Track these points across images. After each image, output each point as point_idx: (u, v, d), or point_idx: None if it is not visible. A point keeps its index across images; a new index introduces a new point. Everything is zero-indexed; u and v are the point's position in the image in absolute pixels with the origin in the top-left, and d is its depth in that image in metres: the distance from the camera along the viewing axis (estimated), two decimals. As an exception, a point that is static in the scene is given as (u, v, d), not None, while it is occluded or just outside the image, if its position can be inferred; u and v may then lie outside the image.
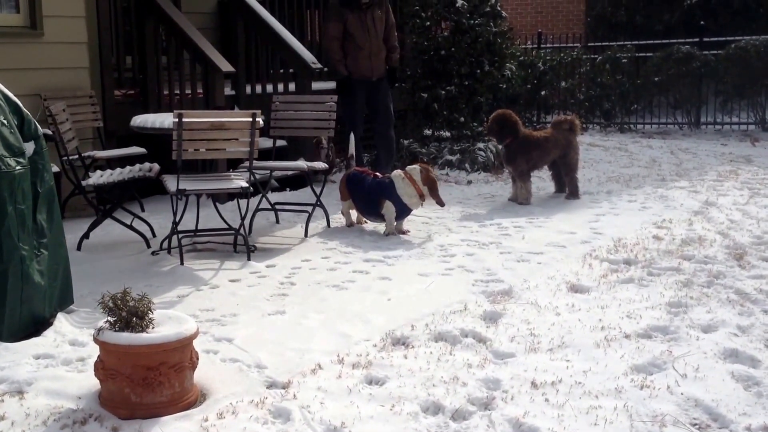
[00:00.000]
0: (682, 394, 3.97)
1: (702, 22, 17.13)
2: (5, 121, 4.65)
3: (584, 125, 16.66)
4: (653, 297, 5.45)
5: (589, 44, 18.53)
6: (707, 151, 13.12)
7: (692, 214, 8.12)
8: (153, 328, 3.85)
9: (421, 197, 7.24)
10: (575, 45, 17.75)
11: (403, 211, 7.28)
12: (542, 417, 3.73)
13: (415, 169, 7.28)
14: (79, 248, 6.64)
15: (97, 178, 6.73)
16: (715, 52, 16.05)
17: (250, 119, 6.11)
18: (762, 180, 10.17)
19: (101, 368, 3.81)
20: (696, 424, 3.71)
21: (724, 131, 15.81)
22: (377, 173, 7.56)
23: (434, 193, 7.26)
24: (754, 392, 4.00)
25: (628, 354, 4.46)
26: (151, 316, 3.87)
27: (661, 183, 10.10)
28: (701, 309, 5.20)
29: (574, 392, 3.99)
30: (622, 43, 17.39)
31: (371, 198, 7.31)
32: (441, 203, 7.37)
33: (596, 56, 17.16)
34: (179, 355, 3.83)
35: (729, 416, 3.76)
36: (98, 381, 3.88)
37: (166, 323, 3.92)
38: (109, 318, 3.84)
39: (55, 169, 5.87)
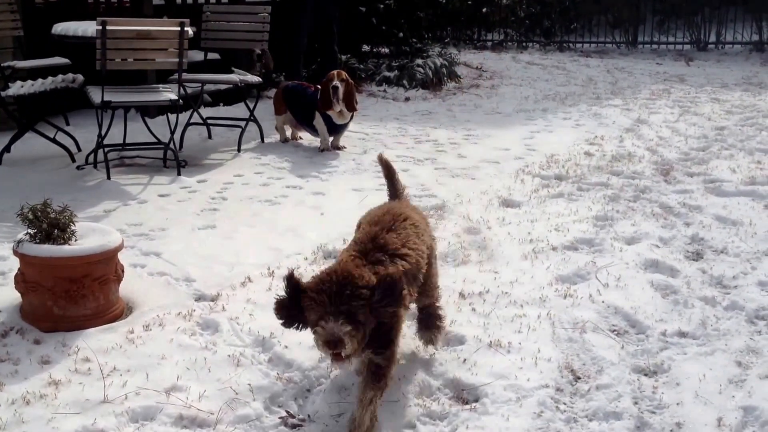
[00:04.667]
0: (603, 302, 4.07)
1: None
2: None
3: (524, 44, 16.63)
4: (581, 211, 5.51)
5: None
6: (642, 70, 13.21)
7: (624, 132, 8.21)
8: (76, 240, 3.77)
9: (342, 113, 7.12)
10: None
11: (332, 125, 7.18)
12: (468, 325, 3.78)
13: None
14: (-1, 162, 6.47)
15: (18, 88, 6.49)
16: (653, -30, 16.06)
17: (179, 28, 5.93)
18: (693, 99, 10.28)
19: (22, 281, 3.73)
20: (615, 330, 3.81)
21: (660, 51, 15.90)
22: (318, 86, 7.41)
23: (349, 101, 7.14)
24: (671, 300, 4.13)
25: (554, 265, 4.53)
26: (73, 228, 3.78)
27: (596, 101, 10.15)
28: (626, 222, 5.29)
29: (500, 302, 4.05)
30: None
31: (310, 110, 7.20)
32: (351, 108, 7.20)
33: (537, -28, 17.04)
34: (103, 268, 3.76)
35: (646, 322, 3.88)
36: (19, 294, 3.80)
37: (90, 236, 3.84)
38: (29, 230, 3.74)
39: (-27, 79, 5.62)
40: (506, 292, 4.15)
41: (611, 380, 3.35)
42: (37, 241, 3.70)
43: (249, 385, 3.25)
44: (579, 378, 3.39)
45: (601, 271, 4.44)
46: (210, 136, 7.73)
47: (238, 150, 7.19)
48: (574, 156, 7.07)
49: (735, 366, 3.47)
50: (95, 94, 6.06)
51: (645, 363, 3.50)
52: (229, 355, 3.47)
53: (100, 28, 5.73)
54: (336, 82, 6.98)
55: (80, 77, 6.74)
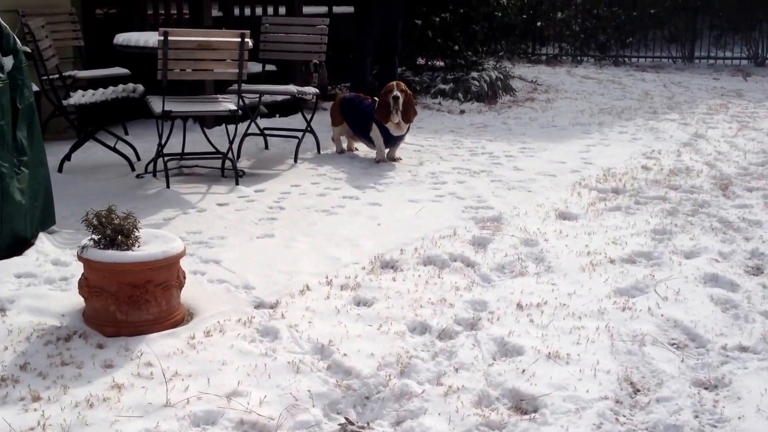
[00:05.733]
0: (662, 315, 4.04)
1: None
2: (-19, 33, 4.49)
3: (579, 58, 16.55)
4: (639, 224, 5.46)
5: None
6: (699, 85, 13.06)
7: (681, 146, 8.12)
8: (139, 246, 3.83)
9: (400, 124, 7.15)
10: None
11: (389, 137, 7.21)
12: (526, 336, 3.77)
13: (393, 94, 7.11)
14: (60, 170, 6.55)
15: (79, 97, 6.59)
16: (712, -15, 15.87)
17: (239, 39, 6.00)
18: (751, 114, 10.15)
19: (86, 286, 3.79)
20: (674, 344, 3.78)
21: (717, 66, 15.70)
22: (376, 98, 7.45)
23: (407, 113, 7.15)
24: (732, 314, 4.08)
25: (612, 278, 4.50)
26: (136, 234, 3.84)
27: (652, 115, 10.06)
28: (685, 236, 5.24)
29: (559, 313, 4.03)
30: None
31: (368, 121, 7.25)
32: (408, 119, 7.20)
33: (593, -13, 16.92)
34: (166, 274, 3.82)
35: (706, 336, 3.83)
36: (82, 299, 3.87)
37: (153, 242, 3.90)
38: (93, 236, 3.81)
39: (35, 88, 5.71)
40: (564, 304, 4.13)
41: (671, 393, 3.32)
42: (102, 246, 3.77)
43: (308, 391, 3.27)
44: (638, 390, 3.36)
45: (660, 284, 4.40)
46: (267, 147, 7.81)
47: (295, 160, 7.25)
48: (631, 170, 7.01)
49: (799, 382, 3.42)
50: (156, 104, 6.16)
51: (705, 377, 3.46)
52: (288, 362, 3.50)
53: (162, 38, 5.82)
54: (396, 92, 7.01)
55: (140, 87, 6.85)
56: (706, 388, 3.39)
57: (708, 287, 4.40)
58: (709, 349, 3.72)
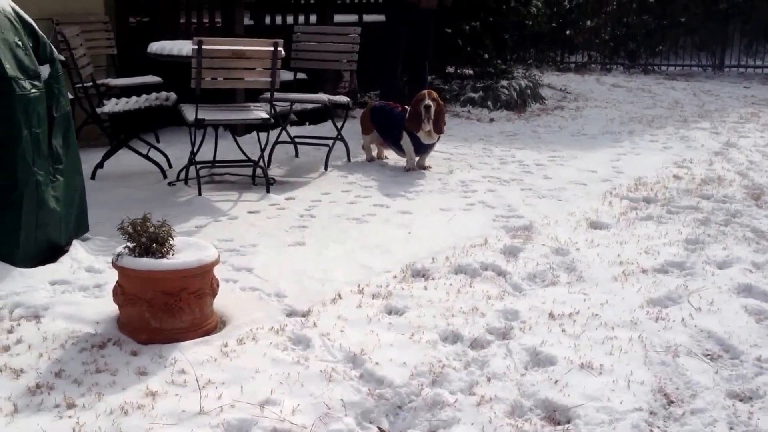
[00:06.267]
0: (695, 326, 4.01)
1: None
2: (20, 43, 4.53)
3: (608, 66, 16.47)
4: (671, 234, 5.44)
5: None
6: (730, 94, 12.97)
7: (712, 155, 8.07)
8: (173, 254, 3.86)
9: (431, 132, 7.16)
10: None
11: (419, 145, 7.22)
12: (559, 346, 3.76)
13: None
14: (93, 177, 6.61)
15: (113, 105, 6.66)
16: (742, -8, 15.75)
17: (272, 48, 6.04)
18: (785, 122, 10.07)
19: (120, 293, 3.83)
20: (708, 355, 3.75)
21: (747, 74, 15.58)
22: (406, 106, 7.47)
23: (438, 122, 7.17)
24: (766, 325, 4.06)
25: (645, 288, 4.48)
26: (171, 242, 3.87)
27: (683, 124, 10.00)
28: (717, 246, 5.21)
29: (591, 323, 4.02)
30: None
31: (398, 130, 7.26)
32: (439, 130, 7.22)
33: (622, -5, 16.85)
34: (200, 282, 3.84)
35: (740, 347, 3.81)
36: (116, 306, 3.90)
37: (187, 250, 3.92)
38: (128, 243, 3.84)
39: (69, 96, 5.78)
40: (596, 314, 4.12)
41: (706, 405, 3.30)
42: (136, 254, 3.80)
43: (341, 400, 3.28)
44: (672, 402, 3.34)
45: (693, 294, 4.37)
46: (297, 155, 7.84)
47: (325, 168, 7.28)
48: (662, 179, 6.97)
49: (836, 394, 3.38)
50: (189, 112, 6.20)
51: (740, 388, 3.43)
52: (321, 371, 3.50)
53: (197, 47, 5.87)
54: (428, 101, 7.01)
55: (173, 95, 6.90)
56: (740, 400, 3.36)
57: (742, 298, 4.38)
58: (743, 360, 3.69)
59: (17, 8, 4.70)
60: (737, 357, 3.73)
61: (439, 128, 7.15)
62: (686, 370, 3.57)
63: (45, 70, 4.69)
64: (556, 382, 3.44)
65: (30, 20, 4.73)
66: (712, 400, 3.33)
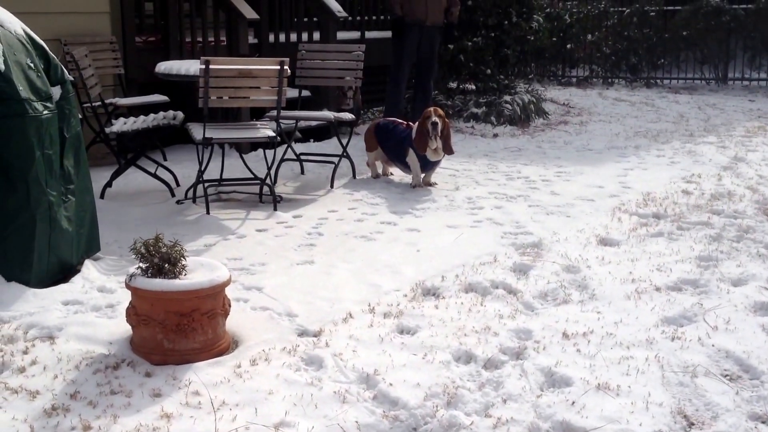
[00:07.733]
0: (713, 345, 3.97)
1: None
2: (32, 65, 4.55)
3: (610, 80, 16.49)
4: (683, 251, 5.41)
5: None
6: (735, 107, 12.96)
7: (721, 169, 8.05)
8: (185, 274, 3.84)
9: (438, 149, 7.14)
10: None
11: (425, 162, 7.20)
12: (574, 366, 3.72)
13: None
14: (102, 196, 6.59)
15: (121, 125, 6.66)
16: (744, 6, 15.74)
17: (278, 67, 6.04)
18: (792, 136, 10.05)
19: (133, 314, 3.81)
20: (727, 375, 3.70)
21: (751, 87, 15.58)
22: (410, 122, 7.47)
23: (446, 140, 7.16)
24: (785, 345, 4.00)
25: (659, 306, 4.45)
26: (183, 262, 3.85)
27: (689, 138, 9.99)
28: (731, 263, 5.17)
29: (606, 343, 3.98)
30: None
31: (403, 146, 7.26)
32: (449, 151, 7.24)
33: (623, 9, 16.85)
34: (212, 302, 3.82)
35: (760, 368, 3.75)
36: (129, 327, 3.89)
37: (199, 270, 3.91)
38: (140, 264, 3.83)
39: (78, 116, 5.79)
40: (611, 333, 4.08)
41: (727, 427, 3.25)
42: (149, 275, 3.79)
43: (356, 422, 3.25)
44: (693, 424, 3.30)
45: (709, 313, 4.34)
46: (303, 172, 7.83)
47: (331, 186, 7.27)
48: (671, 194, 6.95)
49: None
50: (197, 131, 6.20)
51: (762, 410, 3.39)
52: (334, 392, 3.48)
53: (204, 67, 5.87)
54: (435, 118, 7.00)
55: (180, 114, 6.91)
56: (763, 422, 3.31)
57: (759, 316, 4.33)
58: (763, 381, 3.63)
59: (29, 30, 4.72)
60: (757, 377, 3.67)
61: (448, 148, 7.14)
62: (706, 391, 3.52)
63: (56, 92, 4.71)
64: (573, 403, 3.41)
65: (41, 42, 4.76)
66: (735, 422, 3.29)
